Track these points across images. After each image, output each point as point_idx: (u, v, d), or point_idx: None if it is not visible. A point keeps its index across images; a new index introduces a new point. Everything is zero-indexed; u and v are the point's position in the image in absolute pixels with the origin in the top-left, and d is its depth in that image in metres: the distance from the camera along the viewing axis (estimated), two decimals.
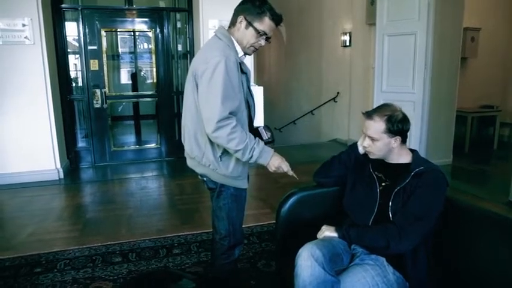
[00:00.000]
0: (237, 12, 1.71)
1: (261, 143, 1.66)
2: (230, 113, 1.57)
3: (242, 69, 1.70)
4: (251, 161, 1.64)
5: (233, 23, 1.72)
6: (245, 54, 1.76)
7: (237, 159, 1.69)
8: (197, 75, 1.64)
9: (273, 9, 1.69)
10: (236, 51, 1.70)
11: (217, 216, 1.84)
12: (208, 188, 1.85)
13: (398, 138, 1.61)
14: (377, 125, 1.61)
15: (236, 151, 1.60)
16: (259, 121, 1.95)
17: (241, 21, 1.68)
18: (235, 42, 1.71)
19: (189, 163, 1.84)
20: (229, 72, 1.57)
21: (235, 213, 1.83)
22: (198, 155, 1.73)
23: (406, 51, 4.49)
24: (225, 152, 1.69)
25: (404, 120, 1.62)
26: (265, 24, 1.67)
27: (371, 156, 1.70)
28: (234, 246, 1.86)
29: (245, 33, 1.69)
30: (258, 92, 1.65)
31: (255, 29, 1.67)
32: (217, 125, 1.54)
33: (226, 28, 1.76)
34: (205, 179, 1.81)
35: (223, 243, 1.84)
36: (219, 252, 1.87)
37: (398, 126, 1.59)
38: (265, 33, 1.69)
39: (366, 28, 5.69)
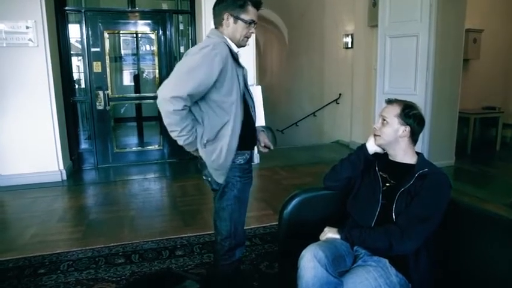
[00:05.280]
0: (220, 10, 1.75)
1: (188, 140, 1.69)
2: (188, 95, 1.60)
3: (239, 64, 1.75)
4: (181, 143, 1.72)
5: (219, 22, 1.76)
6: (240, 47, 1.80)
7: (220, 151, 1.70)
8: None
9: None
10: (231, 45, 1.73)
11: (220, 217, 1.84)
12: (212, 189, 1.85)
13: (408, 129, 1.63)
14: (393, 108, 1.67)
15: (170, 126, 1.66)
16: (260, 121, 1.96)
17: (227, 18, 1.73)
18: (228, 40, 1.74)
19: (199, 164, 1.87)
20: (208, 58, 1.60)
21: (237, 215, 1.83)
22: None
23: (408, 53, 4.49)
24: (211, 141, 1.70)
25: (420, 119, 1.66)
26: (250, 13, 1.74)
27: (377, 142, 1.72)
28: (235, 247, 1.87)
29: (236, 28, 1.74)
30: (257, 91, 1.64)
31: (244, 21, 1.73)
32: (171, 99, 1.58)
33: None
34: (209, 179, 1.81)
35: (224, 244, 1.85)
36: (219, 253, 1.88)
37: (411, 118, 1.63)
38: (253, 21, 1.75)
39: (368, 30, 5.70)
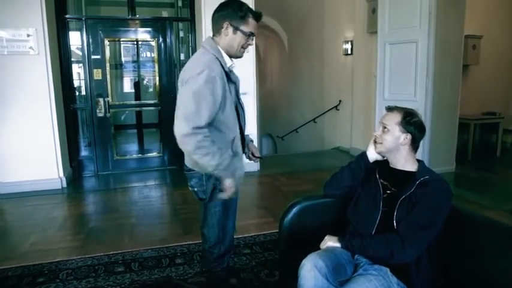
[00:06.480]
0: (219, 19, 1.74)
1: (227, 160, 1.67)
2: (206, 123, 1.61)
3: (231, 79, 1.75)
4: (214, 171, 1.66)
5: (217, 30, 1.76)
6: (236, 57, 1.80)
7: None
8: (182, 82, 1.70)
9: (251, 9, 1.75)
10: (224, 61, 1.73)
11: (208, 224, 1.87)
12: (199, 198, 1.88)
13: (409, 137, 1.62)
14: (394, 115, 1.66)
15: (201, 159, 1.61)
16: (250, 129, 2.03)
17: (227, 27, 1.72)
18: (222, 52, 1.74)
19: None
20: (210, 83, 1.60)
21: (225, 221, 1.87)
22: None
23: (407, 59, 4.50)
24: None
25: (420, 126, 1.65)
26: (250, 25, 1.74)
27: (377, 149, 1.71)
28: (224, 254, 1.91)
29: (234, 38, 1.73)
30: (249, 100, 1.67)
31: (243, 32, 1.73)
32: (193, 131, 1.57)
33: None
34: (195, 189, 1.84)
35: (213, 251, 1.89)
36: (208, 260, 1.91)
37: (412, 125, 1.63)
38: (252, 33, 1.75)
39: (368, 36, 5.72)
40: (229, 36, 1.73)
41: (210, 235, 1.87)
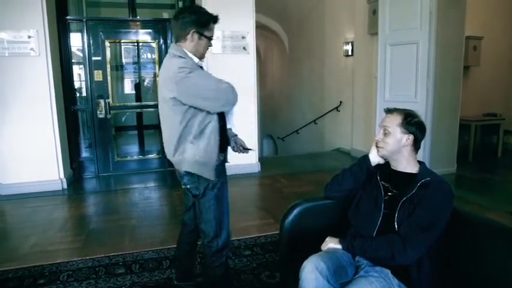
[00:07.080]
0: (185, 26, 1.82)
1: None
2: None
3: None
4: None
5: (182, 36, 1.84)
6: (202, 57, 1.92)
7: (207, 145, 1.82)
8: (171, 92, 1.76)
9: (210, 14, 1.86)
10: (193, 60, 1.84)
11: (204, 219, 1.91)
12: (193, 195, 1.92)
13: (411, 137, 1.62)
14: (394, 118, 1.65)
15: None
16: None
17: (192, 34, 1.82)
18: (189, 54, 1.84)
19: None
20: (194, 70, 1.76)
21: (220, 214, 1.92)
22: (181, 157, 1.86)
23: (408, 61, 4.50)
24: (197, 136, 1.81)
25: (421, 126, 1.65)
26: (212, 29, 1.88)
27: (380, 153, 1.70)
28: (222, 248, 1.94)
29: (200, 44, 1.85)
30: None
31: (207, 38, 1.86)
32: (233, 89, 1.81)
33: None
34: (188, 186, 1.89)
35: (211, 246, 1.92)
36: (208, 256, 1.95)
37: (413, 126, 1.62)
38: (212, 37, 1.89)
39: (368, 38, 5.72)
40: (195, 42, 1.84)
41: (207, 230, 1.91)
